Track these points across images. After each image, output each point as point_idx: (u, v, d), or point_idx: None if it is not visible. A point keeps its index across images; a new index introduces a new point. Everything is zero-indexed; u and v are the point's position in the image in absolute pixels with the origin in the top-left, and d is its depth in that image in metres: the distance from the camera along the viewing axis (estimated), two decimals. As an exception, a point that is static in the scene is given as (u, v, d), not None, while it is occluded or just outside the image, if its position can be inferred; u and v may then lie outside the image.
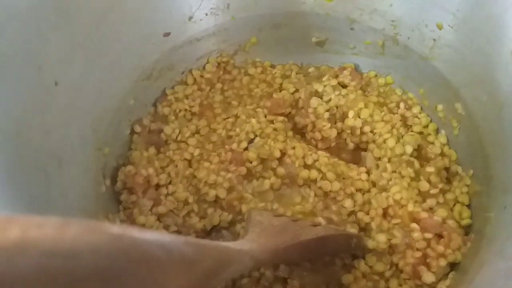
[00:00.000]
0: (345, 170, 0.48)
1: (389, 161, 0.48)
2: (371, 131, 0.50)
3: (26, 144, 0.32)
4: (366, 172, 0.48)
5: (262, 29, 0.56)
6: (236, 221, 0.47)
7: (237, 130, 0.51)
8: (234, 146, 0.49)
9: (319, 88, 0.54)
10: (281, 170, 0.48)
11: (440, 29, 0.46)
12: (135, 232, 0.17)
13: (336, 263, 0.43)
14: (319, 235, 0.36)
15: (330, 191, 0.47)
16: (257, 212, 0.38)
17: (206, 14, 0.53)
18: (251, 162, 0.48)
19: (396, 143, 0.49)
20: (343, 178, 0.47)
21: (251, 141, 0.50)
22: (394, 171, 0.47)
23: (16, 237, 0.13)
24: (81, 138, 0.42)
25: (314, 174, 0.47)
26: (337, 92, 0.53)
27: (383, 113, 0.52)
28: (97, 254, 0.15)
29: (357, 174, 0.48)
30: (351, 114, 0.51)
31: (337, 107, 0.52)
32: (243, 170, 0.48)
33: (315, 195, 0.47)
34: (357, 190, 0.47)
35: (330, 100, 0.52)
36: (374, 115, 0.51)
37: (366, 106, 0.51)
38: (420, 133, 0.52)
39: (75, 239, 0.14)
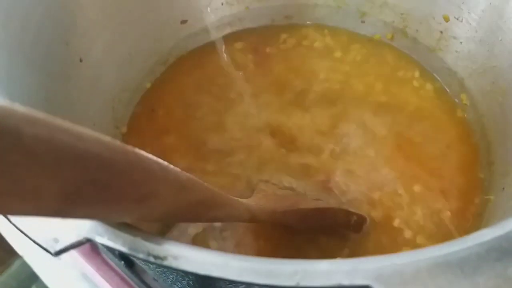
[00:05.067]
0: None
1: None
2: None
3: (53, 111, 0.34)
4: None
5: (275, 20, 0.58)
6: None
7: None
8: None
9: None
10: None
11: (447, 21, 0.47)
12: (135, 149, 0.18)
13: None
14: (319, 206, 0.37)
15: None
16: (263, 183, 0.39)
17: (222, 4, 0.56)
18: None
19: None
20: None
21: None
22: None
23: (24, 113, 0.13)
24: (101, 114, 0.44)
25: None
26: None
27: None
28: (100, 145, 0.16)
29: None
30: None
31: None
32: None
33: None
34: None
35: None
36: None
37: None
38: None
39: (80, 128, 0.15)
